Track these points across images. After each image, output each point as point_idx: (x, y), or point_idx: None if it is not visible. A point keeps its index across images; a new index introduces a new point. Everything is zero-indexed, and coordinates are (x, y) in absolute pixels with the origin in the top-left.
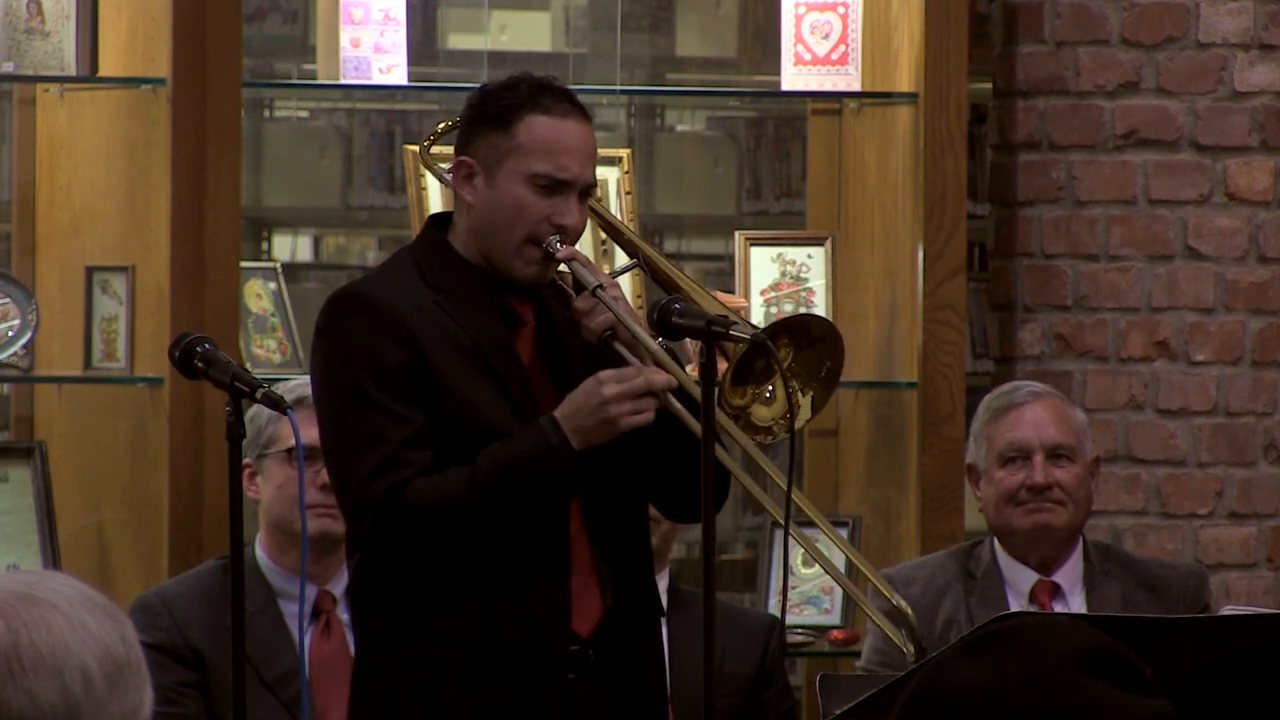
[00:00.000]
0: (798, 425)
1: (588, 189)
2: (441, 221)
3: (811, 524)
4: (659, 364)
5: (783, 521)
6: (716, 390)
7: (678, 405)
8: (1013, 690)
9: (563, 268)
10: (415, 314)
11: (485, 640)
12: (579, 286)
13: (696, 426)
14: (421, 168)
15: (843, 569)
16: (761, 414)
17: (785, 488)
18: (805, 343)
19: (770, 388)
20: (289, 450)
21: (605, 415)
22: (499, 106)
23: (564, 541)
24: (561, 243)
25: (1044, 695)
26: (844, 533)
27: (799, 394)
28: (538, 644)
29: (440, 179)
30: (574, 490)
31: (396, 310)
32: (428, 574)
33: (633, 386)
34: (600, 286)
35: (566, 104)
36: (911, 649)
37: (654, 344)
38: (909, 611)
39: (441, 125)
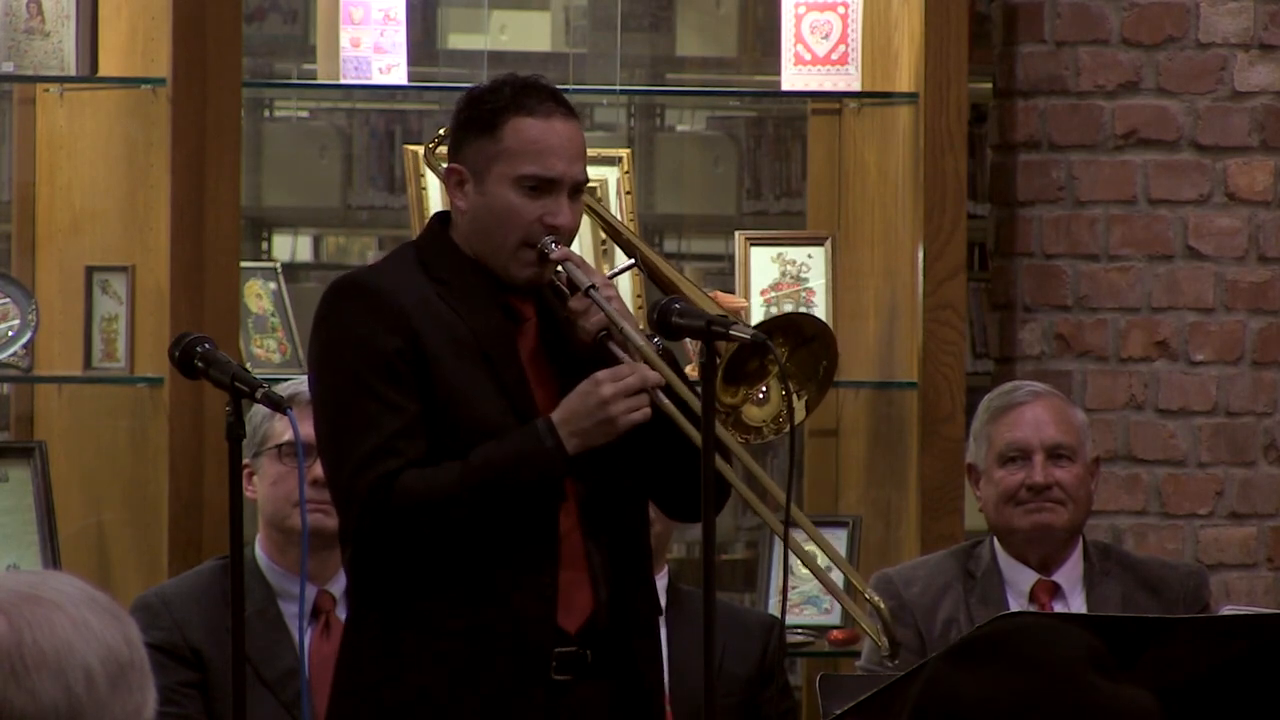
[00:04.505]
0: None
1: (578, 186)
2: (446, 219)
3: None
4: (648, 363)
5: (781, 535)
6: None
7: (667, 402)
8: (1030, 699)
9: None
10: (415, 303)
11: (472, 631)
12: (574, 287)
13: (688, 426)
14: (423, 167)
15: (841, 575)
16: (753, 414)
17: (784, 492)
18: (799, 342)
19: (764, 388)
20: (280, 447)
21: (605, 415)
22: (484, 111)
23: (553, 536)
24: (556, 244)
25: (1063, 701)
26: (844, 533)
27: (795, 395)
28: (522, 636)
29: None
30: (562, 494)
31: (395, 298)
32: (417, 565)
33: (628, 384)
34: (594, 287)
35: (551, 103)
36: (885, 643)
37: (645, 344)
38: (882, 606)
39: (444, 130)
